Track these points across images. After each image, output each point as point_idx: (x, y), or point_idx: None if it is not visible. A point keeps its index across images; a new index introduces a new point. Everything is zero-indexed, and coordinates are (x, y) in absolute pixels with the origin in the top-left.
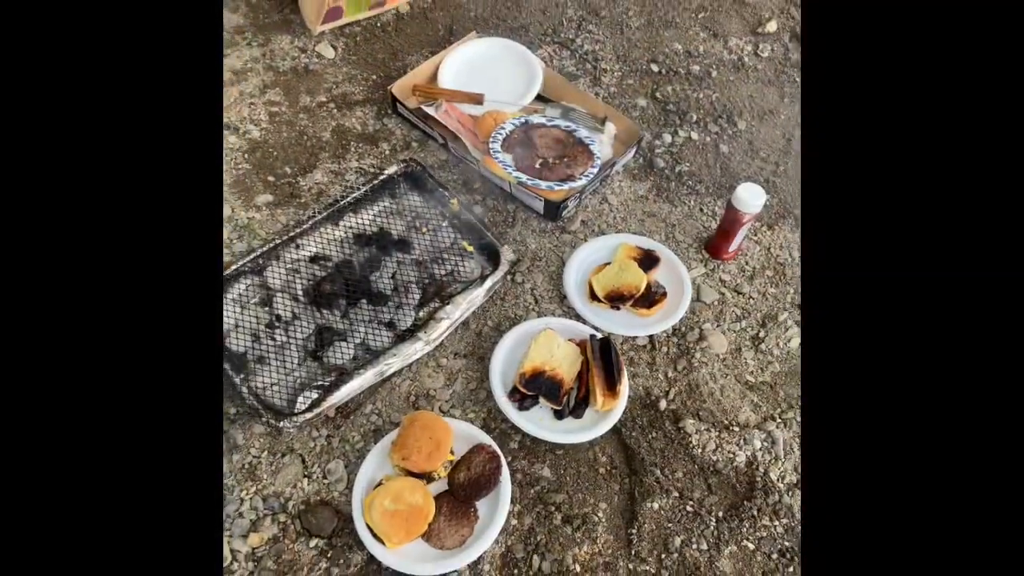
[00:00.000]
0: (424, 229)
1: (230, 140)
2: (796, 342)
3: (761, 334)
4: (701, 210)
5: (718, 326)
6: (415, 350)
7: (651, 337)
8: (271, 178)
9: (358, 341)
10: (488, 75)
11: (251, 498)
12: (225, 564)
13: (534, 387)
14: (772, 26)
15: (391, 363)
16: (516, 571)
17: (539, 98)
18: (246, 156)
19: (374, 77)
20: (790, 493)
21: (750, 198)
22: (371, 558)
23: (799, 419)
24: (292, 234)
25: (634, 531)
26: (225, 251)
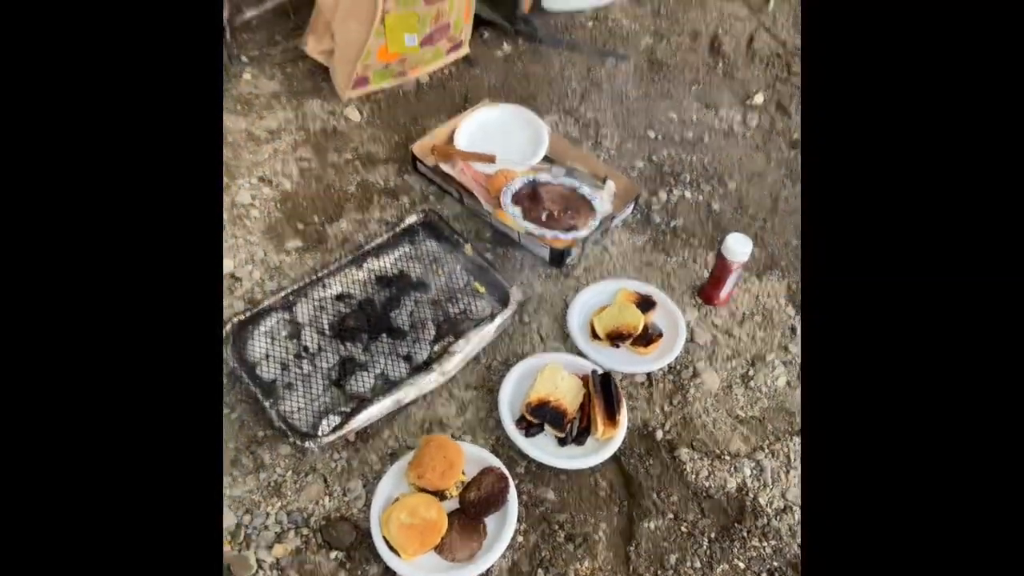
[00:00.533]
0: (440, 272)
1: (264, 191)
2: (783, 381)
3: (750, 373)
4: (694, 261)
5: (710, 365)
6: (430, 381)
7: (648, 374)
8: (301, 225)
9: (378, 372)
10: (500, 138)
11: (276, 513)
12: (251, 573)
13: (540, 415)
14: (759, 99)
15: (408, 392)
16: None
17: (546, 159)
18: (278, 206)
19: (396, 138)
20: (778, 517)
21: (738, 247)
22: (387, 569)
23: (786, 450)
24: (319, 275)
25: (632, 549)
26: (257, 289)
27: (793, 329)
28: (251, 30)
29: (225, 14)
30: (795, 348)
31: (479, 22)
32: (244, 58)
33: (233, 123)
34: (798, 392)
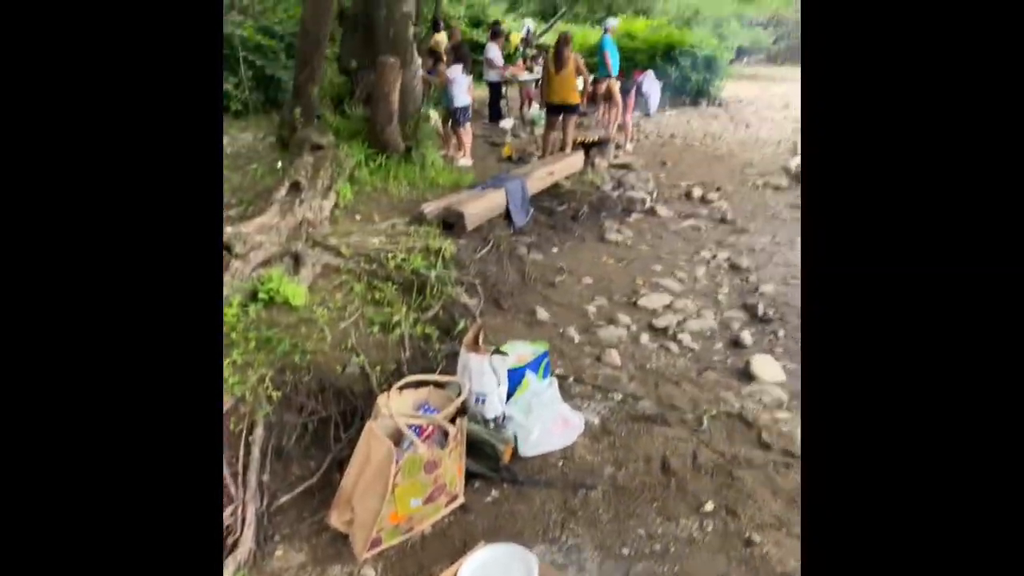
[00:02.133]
0: None
1: None
2: None
3: None
4: None
5: None
6: None
7: None
8: None
9: None
10: (496, 574)
11: None
12: None
13: None
14: (709, 506)
15: None
16: None
17: None
18: None
19: None
20: None
21: None
22: None
23: None
24: None
25: None
26: None
27: None
28: (283, 511)
29: (265, 503)
30: None
31: (470, 475)
32: (277, 537)
33: None
34: None
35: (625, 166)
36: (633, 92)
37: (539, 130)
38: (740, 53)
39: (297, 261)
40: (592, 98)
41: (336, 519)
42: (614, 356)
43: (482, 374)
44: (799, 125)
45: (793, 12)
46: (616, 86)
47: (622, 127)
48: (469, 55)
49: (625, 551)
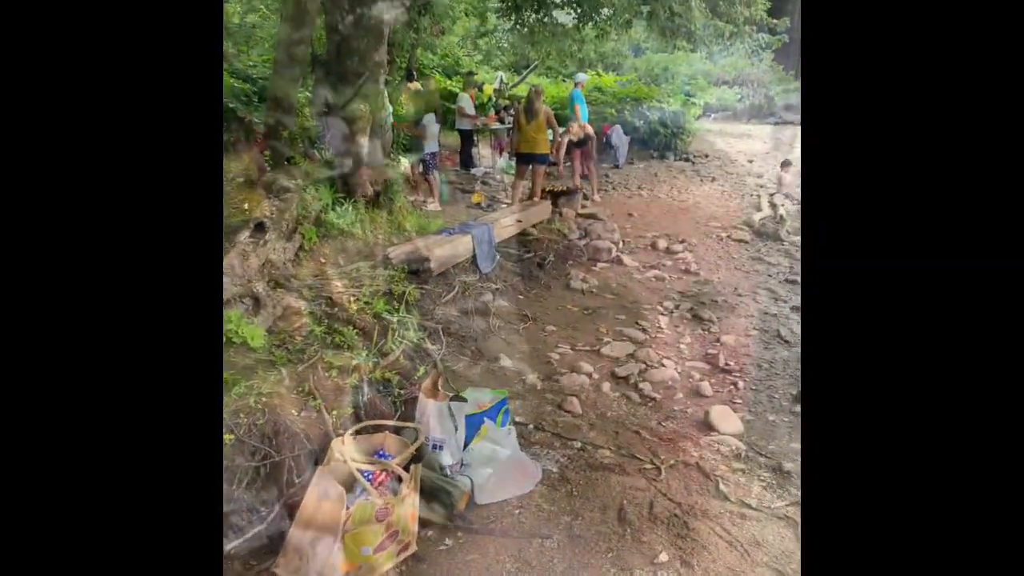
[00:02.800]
0: None
1: None
2: None
3: None
4: None
5: None
6: None
7: None
8: None
9: None
10: None
11: None
12: None
13: None
14: (663, 557)
15: None
16: None
17: None
18: None
19: None
20: None
21: None
22: None
23: None
24: None
25: None
26: None
27: None
28: (229, 559)
29: None
30: None
31: (423, 523)
32: None
33: None
34: None
35: (592, 216)
36: (594, 143)
37: (509, 178)
38: (707, 110)
39: (257, 302)
40: (568, 146)
41: (284, 568)
42: (575, 404)
43: (440, 420)
44: (762, 180)
45: (758, 73)
46: (589, 128)
47: (587, 177)
48: (440, 104)
49: None
